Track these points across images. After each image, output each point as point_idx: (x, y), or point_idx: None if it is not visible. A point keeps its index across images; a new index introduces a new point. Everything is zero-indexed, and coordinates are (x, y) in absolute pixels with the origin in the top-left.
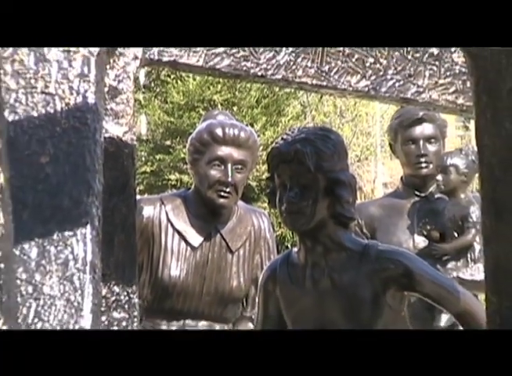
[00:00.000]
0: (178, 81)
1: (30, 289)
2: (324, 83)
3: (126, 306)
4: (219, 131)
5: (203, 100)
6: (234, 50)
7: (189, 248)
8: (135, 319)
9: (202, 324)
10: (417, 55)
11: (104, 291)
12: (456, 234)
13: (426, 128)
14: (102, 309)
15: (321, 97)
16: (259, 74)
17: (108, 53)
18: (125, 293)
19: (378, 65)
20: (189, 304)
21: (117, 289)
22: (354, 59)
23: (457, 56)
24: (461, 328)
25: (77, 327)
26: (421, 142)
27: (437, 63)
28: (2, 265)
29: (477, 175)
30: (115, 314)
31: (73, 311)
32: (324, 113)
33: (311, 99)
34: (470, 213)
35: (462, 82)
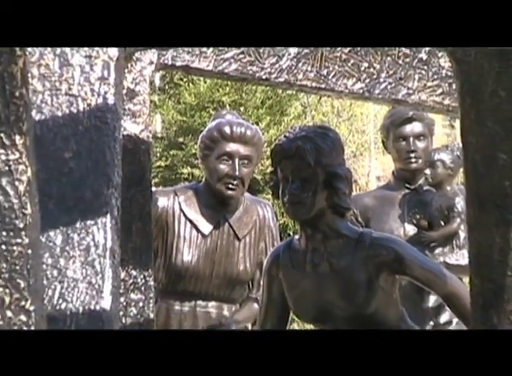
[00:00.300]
0: (190, 84)
1: (55, 273)
2: (323, 85)
3: (143, 288)
4: (227, 130)
5: (212, 101)
6: (241, 56)
7: (199, 236)
8: (151, 301)
9: (212, 305)
10: (407, 60)
11: (123, 275)
12: (442, 223)
13: (415, 127)
14: (121, 291)
15: (320, 98)
16: (264, 77)
17: (126, 58)
18: (142, 276)
19: (372, 69)
20: (200, 286)
21: (134, 273)
22: (350, 64)
23: (444, 60)
24: (448, 309)
25: (98, 308)
26: (411, 140)
27: (425, 67)
28: (30, 251)
29: (461, 169)
30: (132, 295)
31: (94, 293)
32: (323, 113)
33: (311, 100)
34: (455, 204)
35: (448, 85)
